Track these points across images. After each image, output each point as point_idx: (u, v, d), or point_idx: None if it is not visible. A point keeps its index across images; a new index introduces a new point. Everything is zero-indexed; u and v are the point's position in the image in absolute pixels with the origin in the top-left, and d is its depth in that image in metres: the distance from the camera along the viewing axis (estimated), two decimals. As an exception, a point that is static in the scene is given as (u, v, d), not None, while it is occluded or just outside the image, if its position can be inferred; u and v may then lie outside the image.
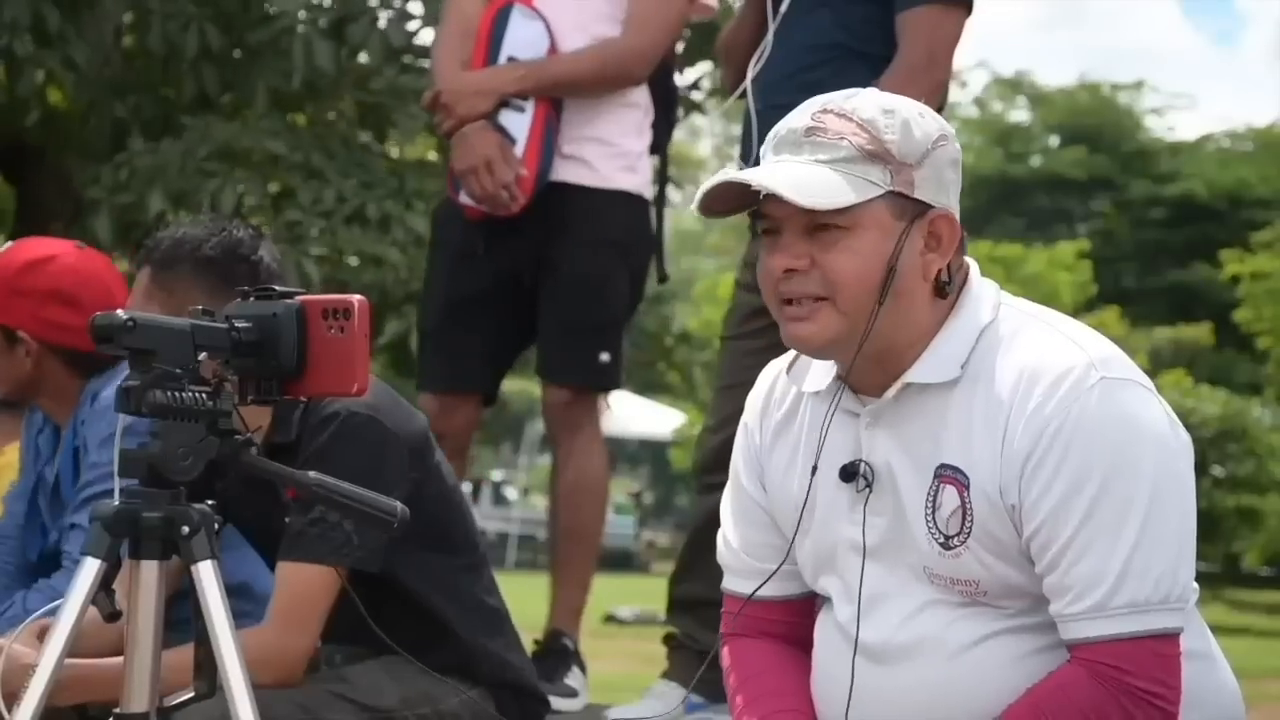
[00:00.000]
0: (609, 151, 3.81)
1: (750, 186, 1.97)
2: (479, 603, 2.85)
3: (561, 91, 3.79)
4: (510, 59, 3.80)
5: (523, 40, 3.80)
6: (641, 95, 3.90)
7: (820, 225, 1.98)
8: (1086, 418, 1.93)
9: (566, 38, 3.81)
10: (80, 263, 3.13)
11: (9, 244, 3.16)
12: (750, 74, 3.58)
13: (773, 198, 1.97)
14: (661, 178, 4.03)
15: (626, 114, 3.86)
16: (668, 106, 4.02)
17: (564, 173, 3.77)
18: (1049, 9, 73.33)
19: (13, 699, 2.45)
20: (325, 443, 2.70)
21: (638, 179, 3.87)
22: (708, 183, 2.03)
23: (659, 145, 4.02)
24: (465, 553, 2.89)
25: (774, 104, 3.44)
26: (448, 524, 2.85)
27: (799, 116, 2.03)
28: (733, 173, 2.01)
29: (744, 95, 3.60)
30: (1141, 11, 73.84)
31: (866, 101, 2.02)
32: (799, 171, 1.98)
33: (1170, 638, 1.93)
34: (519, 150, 3.74)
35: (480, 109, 3.76)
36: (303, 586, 2.59)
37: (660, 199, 4.00)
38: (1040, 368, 1.96)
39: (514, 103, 3.77)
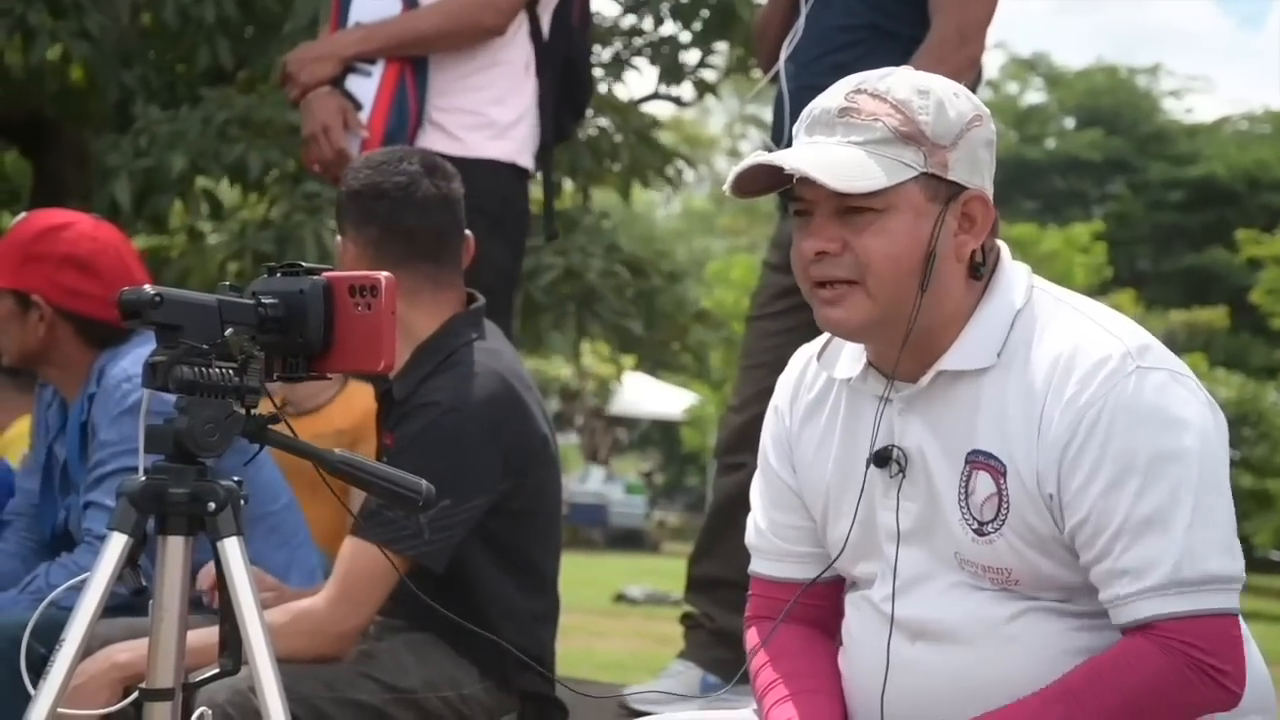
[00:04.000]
0: (473, 121, 3.64)
1: (783, 168, 1.95)
2: (526, 626, 2.84)
3: (409, 49, 3.62)
4: (357, 25, 3.66)
5: (369, 5, 3.65)
6: (515, 53, 3.70)
7: (852, 208, 1.96)
8: (1125, 404, 1.91)
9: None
10: (95, 231, 3.13)
11: (24, 214, 3.16)
12: (784, 54, 3.56)
13: (805, 179, 1.95)
14: (546, 162, 3.79)
15: (493, 77, 3.67)
16: (573, 89, 3.84)
17: (431, 142, 3.58)
18: (1073, -10, 72.91)
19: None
20: (417, 431, 2.71)
21: (507, 146, 3.68)
22: (740, 165, 2.01)
23: (564, 130, 3.85)
24: (528, 576, 2.87)
25: (805, 84, 3.43)
26: (519, 544, 2.84)
27: (832, 97, 2.01)
28: (764, 155, 1.99)
29: (777, 77, 3.57)
30: (1168, -7, 73.40)
31: (901, 81, 2.00)
32: (832, 153, 1.96)
33: (1234, 617, 1.92)
34: (365, 115, 3.60)
35: (321, 75, 3.62)
36: (365, 566, 2.58)
37: (548, 168, 3.80)
38: (1076, 355, 1.95)
39: (360, 67, 3.63)
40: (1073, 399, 1.93)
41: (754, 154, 2.02)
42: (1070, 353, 1.95)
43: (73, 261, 3.05)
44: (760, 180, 2.01)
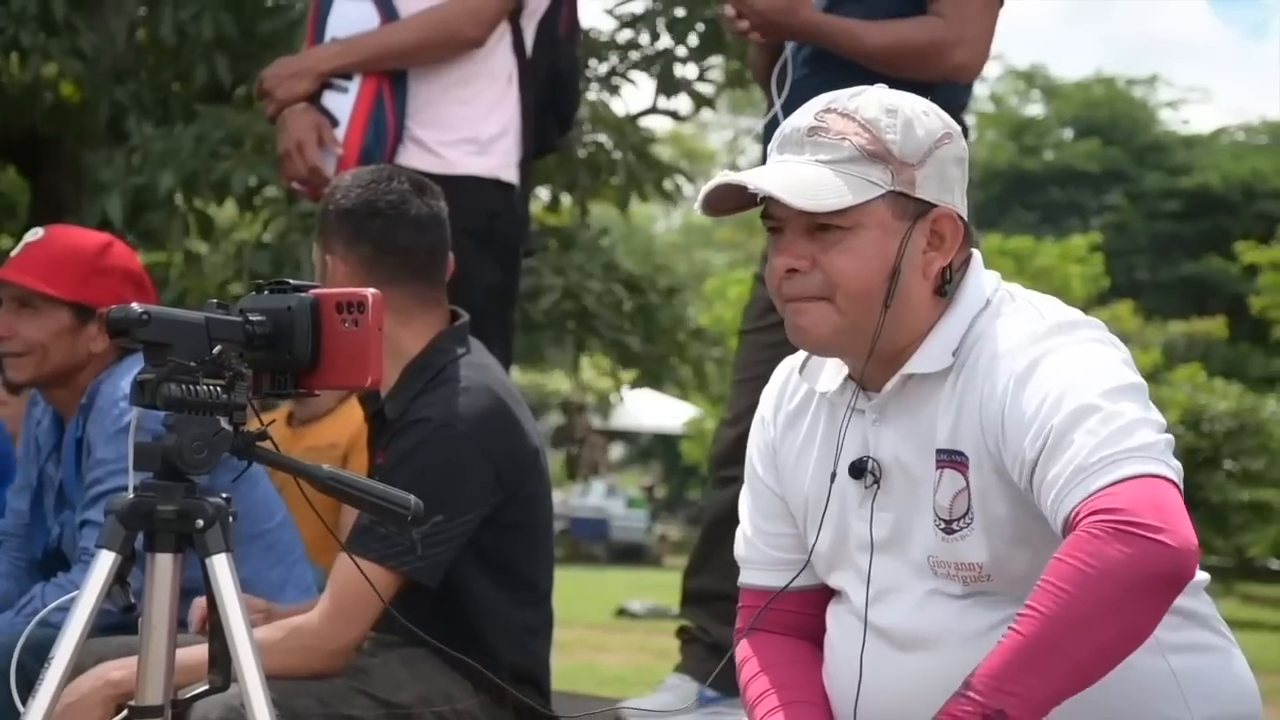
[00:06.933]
0: (453, 137, 3.59)
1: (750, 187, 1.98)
2: (521, 640, 2.86)
3: (388, 63, 3.57)
4: (334, 40, 3.63)
5: (346, 20, 3.61)
6: (497, 65, 3.64)
7: (821, 225, 2.00)
8: (1037, 359, 1.94)
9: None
10: (130, 250, 3.21)
11: (40, 230, 3.15)
12: (785, 58, 3.56)
13: (774, 198, 1.98)
14: (524, 169, 3.72)
15: (474, 91, 3.62)
16: (559, 101, 3.80)
17: (411, 158, 3.54)
18: (1072, 2, 73.07)
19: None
20: (408, 448, 2.71)
21: (490, 162, 3.62)
22: (708, 185, 2.04)
23: (548, 142, 3.81)
24: (522, 589, 2.87)
25: (795, 99, 3.44)
26: (512, 557, 2.84)
27: (803, 116, 2.04)
28: (731, 175, 2.02)
29: (776, 90, 3.57)
30: (1169, 5, 73.46)
31: (870, 100, 2.02)
32: (799, 172, 1.99)
33: (1158, 478, 1.83)
34: (341, 132, 3.56)
35: (297, 91, 3.59)
36: (358, 582, 2.56)
37: (525, 180, 3.74)
38: (1007, 339, 1.98)
39: (337, 83, 3.59)
40: (999, 377, 1.96)
41: (721, 173, 2.04)
42: (1007, 338, 1.98)
43: (131, 278, 3.12)
44: (731, 199, 2.03)
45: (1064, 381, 1.91)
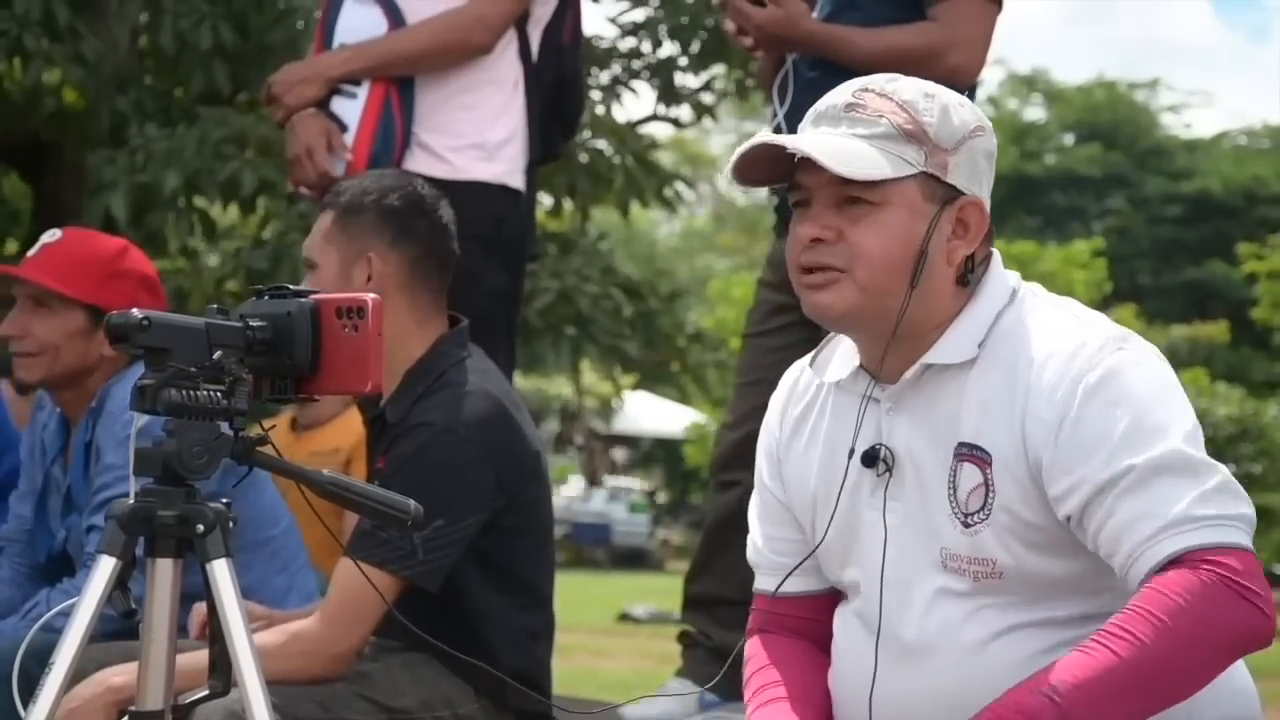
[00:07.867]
0: (460, 143, 3.59)
1: (787, 157, 1.98)
2: (522, 644, 2.86)
3: (396, 69, 3.58)
4: (343, 46, 3.62)
5: (354, 26, 3.61)
6: (504, 71, 3.65)
7: (851, 199, 1.99)
8: (1113, 375, 1.93)
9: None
10: (145, 255, 3.22)
11: (57, 231, 3.15)
12: (787, 68, 3.57)
13: (806, 168, 1.98)
14: (530, 180, 3.72)
15: (481, 97, 3.62)
16: (563, 108, 3.81)
17: (419, 164, 3.54)
18: (1074, 6, 73.15)
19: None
20: (410, 452, 2.71)
21: (497, 168, 3.59)
22: (744, 145, 2.02)
23: (552, 148, 3.81)
24: (523, 594, 2.87)
25: (801, 104, 3.44)
26: (513, 561, 2.85)
27: (839, 94, 2.05)
28: (769, 136, 2.01)
29: (778, 99, 3.57)
30: (1172, 8, 73.61)
31: (908, 84, 2.04)
32: (836, 142, 1.99)
33: (1254, 555, 1.88)
34: (350, 137, 3.56)
35: (307, 96, 3.59)
36: (359, 586, 2.56)
37: (531, 187, 3.74)
38: (1056, 342, 1.97)
39: (346, 89, 3.59)
40: (1056, 382, 1.94)
41: (759, 134, 2.04)
42: (1051, 340, 1.98)
43: (146, 283, 3.13)
44: (761, 168, 2.02)
45: (1138, 409, 1.91)
